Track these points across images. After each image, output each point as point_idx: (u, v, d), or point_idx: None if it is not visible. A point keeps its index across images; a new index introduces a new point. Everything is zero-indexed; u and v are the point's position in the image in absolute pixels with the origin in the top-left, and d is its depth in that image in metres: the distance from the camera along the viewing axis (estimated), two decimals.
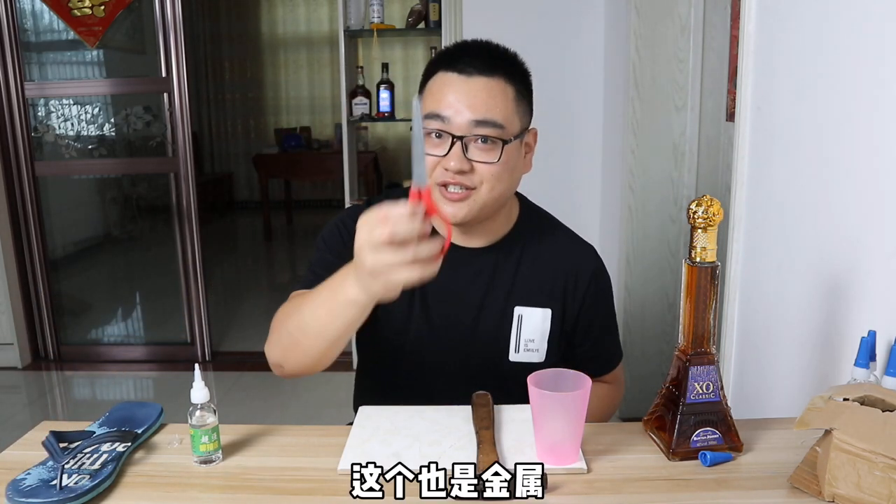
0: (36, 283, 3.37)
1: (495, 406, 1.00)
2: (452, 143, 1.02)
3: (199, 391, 0.89)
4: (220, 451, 0.90)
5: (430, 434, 0.95)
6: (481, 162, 1.03)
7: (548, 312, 1.14)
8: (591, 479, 0.84)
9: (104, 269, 4.03)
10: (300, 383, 3.10)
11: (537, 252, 1.16)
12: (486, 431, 0.92)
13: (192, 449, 0.89)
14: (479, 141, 1.03)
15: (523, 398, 0.93)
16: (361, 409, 1.03)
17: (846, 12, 1.08)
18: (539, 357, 1.15)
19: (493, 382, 1.07)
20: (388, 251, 0.76)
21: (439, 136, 1.04)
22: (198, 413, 0.88)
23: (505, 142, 1.03)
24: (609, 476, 0.85)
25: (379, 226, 0.76)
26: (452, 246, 1.12)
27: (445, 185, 1.04)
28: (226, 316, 4.00)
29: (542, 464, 0.77)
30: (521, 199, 1.21)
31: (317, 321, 0.91)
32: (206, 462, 0.89)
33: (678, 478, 0.84)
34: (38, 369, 3.34)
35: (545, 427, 0.86)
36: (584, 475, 0.85)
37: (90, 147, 3.40)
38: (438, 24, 2.92)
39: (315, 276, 1.07)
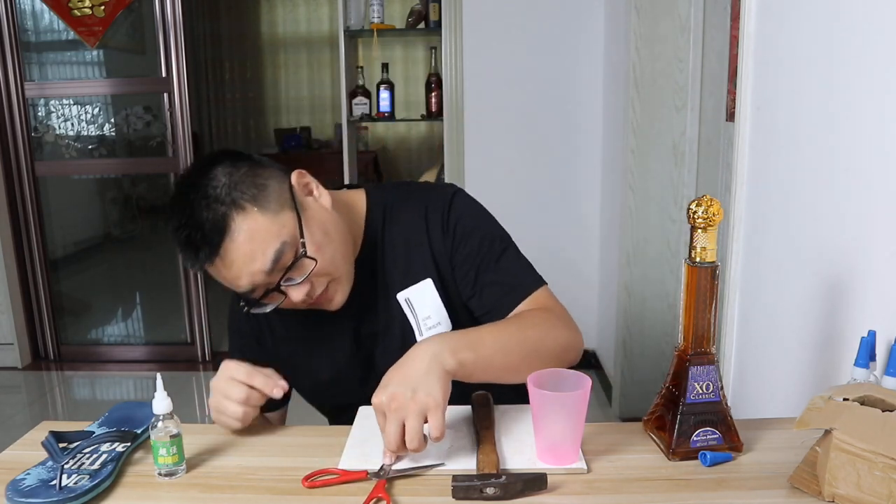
0: (36, 283, 3.37)
1: (495, 406, 1.00)
2: (271, 295, 0.96)
3: (162, 402, 0.85)
4: (184, 464, 0.87)
5: None
6: (303, 282, 0.96)
7: (427, 283, 1.07)
8: (591, 479, 0.84)
9: (104, 269, 4.03)
10: None
11: (394, 233, 1.09)
12: (487, 431, 0.92)
13: (154, 461, 0.86)
14: (284, 281, 0.95)
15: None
16: (361, 409, 1.03)
17: (846, 12, 1.08)
18: (446, 327, 1.07)
19: None
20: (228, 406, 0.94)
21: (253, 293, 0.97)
22: (160, 424, 0.85)
23: (297, 258, 0.95)
24: (609, 476, 0.85)
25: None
26: None
27: None
28: (226, 316, 3.99)
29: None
30: (366, 195, 1.12)
31: None
32: (168, 475, 0.86)
33: (678, 478, 0.84)
34: (38, 369, 3.34)
35: (545, 427, 0.86)
36: (584, 475, 0.85)
37: (90, 147, 3.40)
38: (438, 24, 2.92)
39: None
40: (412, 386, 0.84)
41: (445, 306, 1.08)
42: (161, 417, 0.85)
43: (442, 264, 1.08)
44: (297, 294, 0.96)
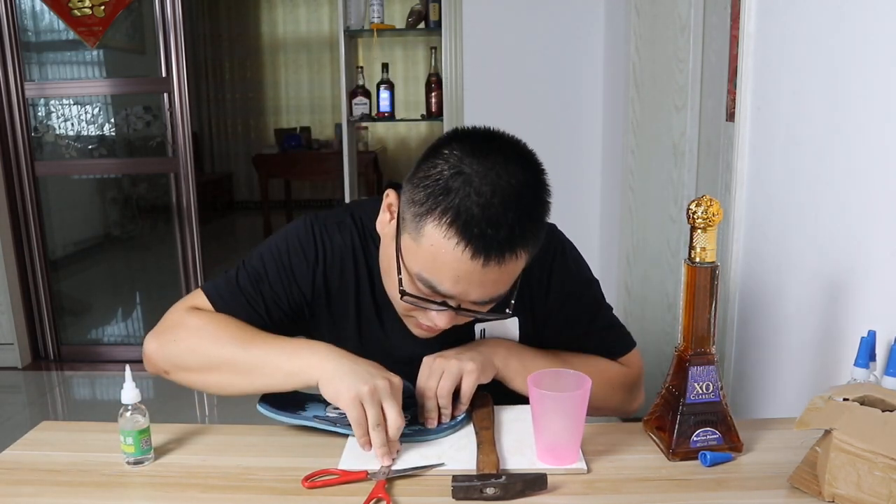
0: (36, 283, 3.37)
1: (495, 406, 1.00)
2: (443, 308, 0.89)
3: (130, 392, 0.88)
4: (152, 452, 0.90)
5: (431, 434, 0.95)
6: (468, 323, 0.95)
7: (513, 321, 1.05)
8: (591, 479, 0.84)
9: (104, 269, 4.03)
10: None
11: None
12: (486, 432, 0.92)
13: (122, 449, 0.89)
14: (474, 312, 0.91)
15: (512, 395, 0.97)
16: None
17: (846, 12, 1.08)
18: None
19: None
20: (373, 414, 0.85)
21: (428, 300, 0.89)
22: (128, 414, 0.88)
23: (501, 316, 0.94)
24: (609, 476, 0.85)
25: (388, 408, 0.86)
26: None
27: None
28: None
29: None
30: None
31: (251, 375, 0.93)
32: (137, 463, 0.89)
33: (678, 478, 0.84)
34: (38, 369, 3.34)
35: (545, 427, 0.86)
36: (584, 475, 0.85)
37: (90, 147, 3.40)
38: (438, 24, 2.92)
39: (244, 290, 1.01)
40: (460, 351, 0.96)
41: (521, 339, 1.07)
42: (129, 407, 0.88)
43: (536, 308, 1.05)
44: (443, 324, 0.90)
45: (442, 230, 0.82)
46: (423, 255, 0.85)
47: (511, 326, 1.06)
